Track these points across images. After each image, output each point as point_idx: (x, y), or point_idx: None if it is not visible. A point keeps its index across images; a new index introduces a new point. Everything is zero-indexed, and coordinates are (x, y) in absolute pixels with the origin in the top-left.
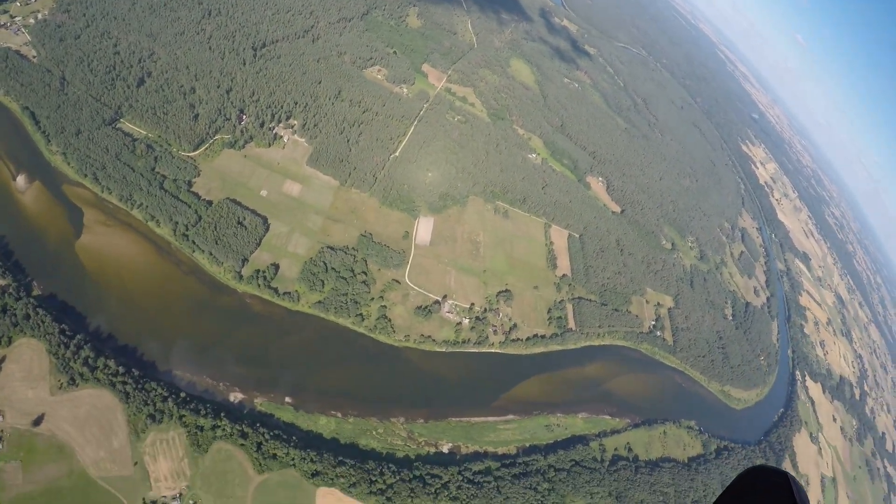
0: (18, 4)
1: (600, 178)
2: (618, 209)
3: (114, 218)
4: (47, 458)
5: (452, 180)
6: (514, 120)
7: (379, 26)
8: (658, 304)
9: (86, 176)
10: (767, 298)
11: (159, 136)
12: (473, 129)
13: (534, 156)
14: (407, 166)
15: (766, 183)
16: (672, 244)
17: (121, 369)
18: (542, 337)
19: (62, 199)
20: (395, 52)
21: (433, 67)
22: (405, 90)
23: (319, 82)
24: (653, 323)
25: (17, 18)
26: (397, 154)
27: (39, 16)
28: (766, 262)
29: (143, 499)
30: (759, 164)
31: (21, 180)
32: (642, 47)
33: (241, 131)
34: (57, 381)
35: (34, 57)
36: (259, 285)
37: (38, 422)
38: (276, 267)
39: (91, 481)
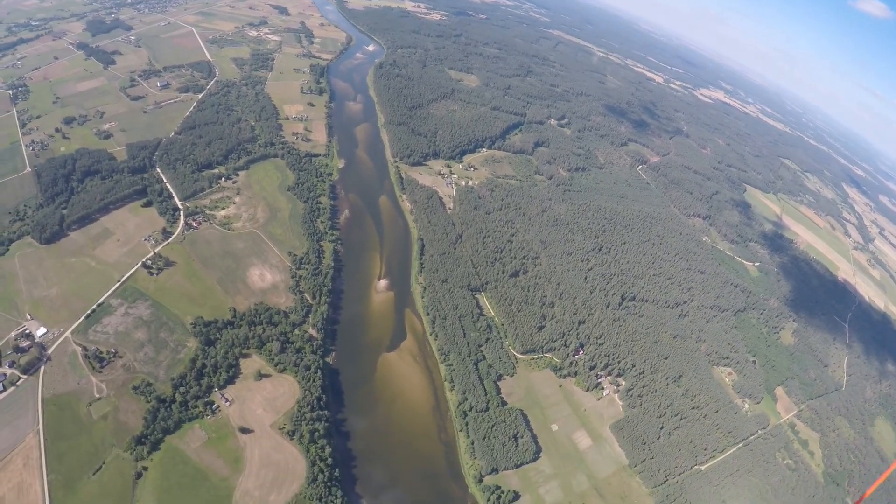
0: (461, 167)
1: None
2: None
3: (423, 357)
4: (223, 454)
5: None
6: (850, 492)
7: (749, 328)
8: None
9: (427, 314)
10: None
11: (502, 325)
12: (798, 482)
13: None
14: (704, 487)
15: None
16: None
17: (330, 460)
18: None
19: (399, 317)
20: (754, 362)
21: (787, 394)
22: (746, 406)
23: (666, 358)
24: None
25: (453, 175)
26: (702, 469)
27: (470, 182)
28: None
29: None
30: None
31: (383, 283)
32: None
33: (571, 363)
34: (282, 423)
35: (449, 208)
36: (490, 500)
37: (244, 431)
38: (516, 496)
39: (227, 500)
